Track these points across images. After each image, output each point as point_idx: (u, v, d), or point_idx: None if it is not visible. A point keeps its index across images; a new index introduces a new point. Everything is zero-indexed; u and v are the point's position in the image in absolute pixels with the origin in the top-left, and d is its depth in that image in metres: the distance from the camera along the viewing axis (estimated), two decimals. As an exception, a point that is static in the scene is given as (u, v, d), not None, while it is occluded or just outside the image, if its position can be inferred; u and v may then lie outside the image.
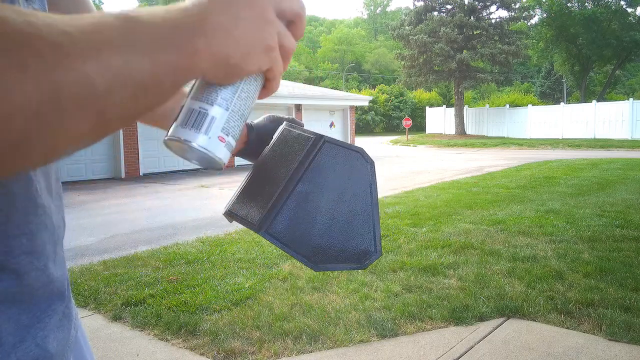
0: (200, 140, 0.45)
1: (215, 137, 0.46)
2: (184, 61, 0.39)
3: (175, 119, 0.47)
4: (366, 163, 0.62)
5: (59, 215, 0.55)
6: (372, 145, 27.12)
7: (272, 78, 0.48)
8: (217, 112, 0.46)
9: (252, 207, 0.61)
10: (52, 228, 0.51)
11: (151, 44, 0.37)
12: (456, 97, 32.83)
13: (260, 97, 0.51)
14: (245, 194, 0.65)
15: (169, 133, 0.47)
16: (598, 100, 29.63)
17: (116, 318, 3.34)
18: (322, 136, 0.60)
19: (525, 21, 32.30)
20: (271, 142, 0.69)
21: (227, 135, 0.47)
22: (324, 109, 18.99)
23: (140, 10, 0.38)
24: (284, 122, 0.71)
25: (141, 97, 0.37)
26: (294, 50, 0.47)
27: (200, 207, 7.52)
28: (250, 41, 0.42)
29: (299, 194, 0.58)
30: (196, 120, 0.46)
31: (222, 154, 0.47)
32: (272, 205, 0.58)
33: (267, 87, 0.49)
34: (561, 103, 32.28)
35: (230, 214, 0.64)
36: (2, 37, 0.29)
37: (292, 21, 0.47)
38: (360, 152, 0.62)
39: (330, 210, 0.60)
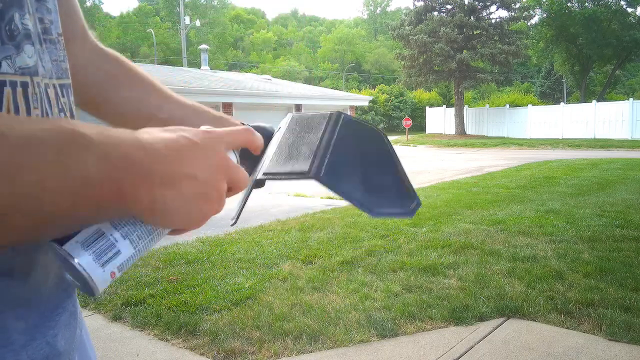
0: (93, 270, 0.41)
1: (108, 272, 0.42)
2: (116, 202, 0.38)
3: (75, 233, 0.42)
4: (382, 136, 0.62)
5: None
6: (372, 145, 27.08)
7: (185, 231, 0.47)
8: (125, 247, 0.42)
9: (294, 163, 0.59)
10: None
11: (84, 174, 0.35)
12: (456, 97, 32.83)
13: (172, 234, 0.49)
14: (278, 157, 0.63)
15: (63, 246, 0.41)
16: (598, 100, 29.62)
17: (116, 318, 3.35)
18: (340, 112, 0.59)
19: (525, 21, 32.28)
20: (280, 129, 0.65)
21: (119, 271, 0.43)
22: (324, 109, 18.99)
23: (95, 131, 0.36)
24: (291, 113, 0.70)
25: (45, 229, 0.36)
26: (245, 181, 0.47)
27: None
28: (196, 207, 0.42)
29: (338, 145, 0.56)
30: (100, 247, 0.41)
31: (104, 285, 0.42)
32: (318, 153, 0.55)
33: (175, 232, 0.47)
34: (561, 103, 32.28)
35: (267, 177, 0.61)
36: None
37: (230, 189, 0.47)
38: (375, 128, 0.62)
39: (365, 165, 0.59)
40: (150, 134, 0.41)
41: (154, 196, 0.39)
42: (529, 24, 33.36)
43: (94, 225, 0.42)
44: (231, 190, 0.47)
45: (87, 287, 0.42)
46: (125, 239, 0.42)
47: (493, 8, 31.74)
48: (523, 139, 27.20)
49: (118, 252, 0.42)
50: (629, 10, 33.45)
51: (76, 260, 0.40)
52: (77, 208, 0.36)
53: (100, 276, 0.41)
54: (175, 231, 0.46)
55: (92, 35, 0.72)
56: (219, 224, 6.31)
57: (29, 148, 0.33)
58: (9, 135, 0.33)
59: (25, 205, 0.33)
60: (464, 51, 30.35)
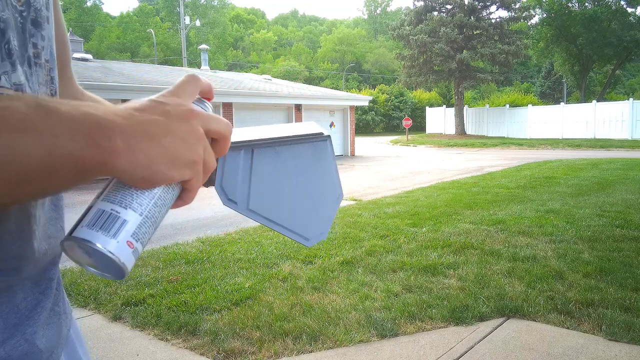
0: (106, 244, 0.42)
1: (123, 242, 0.43)
2: (91, 156, 0.39)
3: (80, 220, 0.44)
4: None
5: (56, 225, 0.56)
6: (372, 145, 27.12)
7: (190, 189, 0.49)
8: (130, 216, 0.44)
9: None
10: (43, 236, 0.52)
11: (53, 134, 0.37)
12: (456, 97, 32.83)
13: (174, 207, 0.50)
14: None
15: (70, 233, 0.43)
16: (598, 100, 29.63)
17: (116, 318, 3.34)
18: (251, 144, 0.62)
19: (525, 21, 32.27)
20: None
21: (136, 241, 0.44)
22: (324, 109, 18.99)
23: (62, 102, 0.39)
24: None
25: (26, 183, 0.37)
26: (213, 167, 0.49)
27: (200, 207, 7.50)
28: (178, 151, 0.44)
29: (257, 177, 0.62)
30: (105, 222, 0.43)
31: (128, 260, 0.44)
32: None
33: (183, 197, 0.50)
34: (561, 103, 32.28)
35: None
36: None
37: (217, 140, 0.50)
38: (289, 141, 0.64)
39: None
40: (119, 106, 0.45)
41: (130, 147, 0.41)
42: (529, 24, 33.35)
43: (93, 207, 0.44)
44: (217, 142, 0.50)
45: (110, 265, 0.43)
46: (126, 209, 0.44)
47: (493, 8, 31.75)
48: (523, 139, 27.20)
49: (124, 222, 0.43)
50: (629, 10, 33.47)
51: (85, 238, 0.42)
52: (52, 169, 0.38)
53: (116, 247, 0.43)
54: (181, 197, 0.49)
55: (74, 78, 0.74)
56: (219, 224, 6.31)
57: None
58: None
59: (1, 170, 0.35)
60: (464, 51, 30.34)
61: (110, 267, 0.44)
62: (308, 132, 0.66)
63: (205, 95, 0.53)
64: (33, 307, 0.49)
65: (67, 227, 0.60)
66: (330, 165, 0.66)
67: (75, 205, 7.97)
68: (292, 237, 0.63)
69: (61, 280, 0.59)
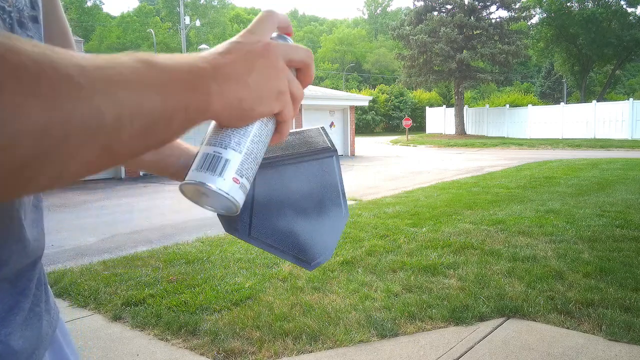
0: (214, 182, 0.47)
1: (229, 179, 0.47)
2: (196, 101, 0.42)
3: (191, 165, 0.49)
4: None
5: (38, 227, 0.56)
6: (372, 145, 27.11)
7: (283, 121, 0.51)
8: (231, 155, 0.48)
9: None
10: (29, 238, 0.52)
11: (164, 83, 0.39)
12: (456, 97, 32.83)
13: (272, 142, 0.53)
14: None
15: (185, 178, 0.48)
16: (598, 100, 29.63)
17: (116, 318, 3.34)
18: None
19: (525, 21, 32.27)
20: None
21: (241, 177, 0.48)
22: (324, 109, 18.99)
23: (157, 55, 0.41)
24: None
25: (150, 133, 0.39)
26: (302, 96, 0.51)
27: (200, 207, 7.51)
28: (263, 86, 0.46)
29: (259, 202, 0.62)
30: (211, 163, 0.47)
31: (236, 194, 0.48)
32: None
33: (279, 130, 0.52)
34: (561, 103, 32.28)
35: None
36: (18, 67, 0.31)
37: (301, 69, 0.51)
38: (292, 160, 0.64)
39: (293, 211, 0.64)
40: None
41: (222, 89, 0.43)
42: (529, 23, 33.36)
43: (199, 153, 0.49)
44: (301, 71, 0.51)
45: (222, 201, 0.48)
46: (226, 149, 0.48)
47: (493, 8, 31.75)
48: (523, 139, 27.20)
49: (227, 161, 0.48)
50: (629, 10, 33.46)
51: (196, 180, 0.47)
52: (169, 117, 0.40)
53: (223, 184, 0.47)
54: (277, 130, 0.52)
55: None
56: (218, 224, 6.30)
57: (115, 68, 0.37)
58: (86, 65, 0.35)
59: (131, 118, 0.37)
60: (464, 51, 30.34)
61: (222, 202, 0.49)
62: (314, 148, 0.64)
63: (285, 30, 0.54)
64: (9, 309, 0.49)
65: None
66: (336, 183, 0.66)
67: (76, 205, 7.92)
68: (293, 262, 0.63)
69: (46, 281, 0.59)
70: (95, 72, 0.35)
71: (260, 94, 0.46)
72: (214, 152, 0.48)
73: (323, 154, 0.64)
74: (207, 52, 0.45)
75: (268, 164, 0.62)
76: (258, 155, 0.50)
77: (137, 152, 0.40)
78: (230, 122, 0.47)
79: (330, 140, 0.67)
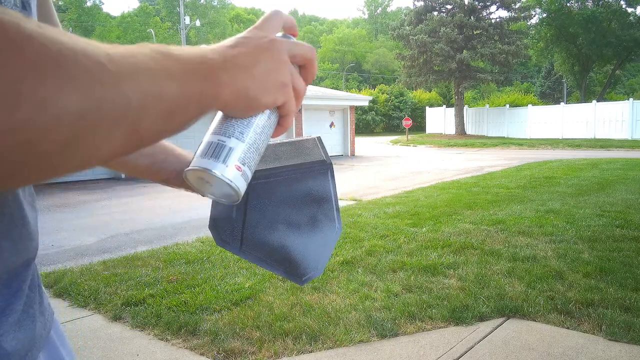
0: (217, 168, 0.48)
1: (232, 166, 0.49)
2: (209, 90, 0.44)
3: (195, 152, 0.51)
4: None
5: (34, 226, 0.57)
6: (372, 145, 27.11)
7: (286, 114, 0.53)
8: (234, 143, 0.49)
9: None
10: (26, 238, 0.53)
11: (180, 73, 0.42)
12: (456, 97, 32.83)
13: (275, 134, 0.54)
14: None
15: (190, 164, 0.50)
16: (598, 100, 29.62)
17: (116, 318, 3.34)
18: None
19: (525, 21, 32.26)
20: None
21: (243, 164, 0.50)
22: (324, 109, 18.99)
23: (170, 46, 0.44)
24: None
25: (170, 117, 0.42)
26: (304, 91, 0.53)
27: (200, 207, 7.50)
28: (267, 77, 0.48)
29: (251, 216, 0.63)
30: (215, 150, 0.49)
31: (238, 182, 0.49)
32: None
33: (281, 123, 0.54)
34: (561, 103, 32.27)
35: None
36: (59, 54, 0.33)
37: (304, 66, 0.54)
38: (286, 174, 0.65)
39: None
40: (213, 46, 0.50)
41: (231, 80, 0.46)
42: (529, 23, 33.35)
43: (203, 141, 0.51)
44: (304, 67, 0.53)
45: (224, 188, 0.50)
46: (230, 138, 0.49)
47: (493, 8, 31.75)
48: (523, 139, 27.20)
49: (230, 149, 0.49)
50: (629, 10, 33.44)
51: (200, 166, 0.48)
52: (186, 104, 0.42)
53: (226, 170, 0.48)
54: (280, 123, 0.54)
55: None
56: (219, 224, 6.30)
57: (134, 58, 0.39)
58: (113, 54, 0.37)
59: (152, 104, 0.39)
60: (464, 51, 30.34)
61: (224, 189, 0.50)
62: (309, 160, 0.64)
63: (290, 30, 0.56)
64: (2, 310, 0.49)
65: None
66: (330, 197, 0.65)
67: (76, 205, 7.93)
68: (283, 277, 0.63)
69: (40, 283, 0.59)
70: (121, 60, 0.37)
71: (266, 85, 0.48)
72: (218, 140, 0.49)
73: (318, 166, 0.64)
74: (216, 44, 0.48)
75: (262, 176, 0.62)
76: (260, 146, 0.52)
77: (158, 136, 0.43)
78: (237, 112, 0.49)
79: (325, 153, 0.67)
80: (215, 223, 0.61)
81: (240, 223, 0.62)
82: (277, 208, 0.63)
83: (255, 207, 0.62)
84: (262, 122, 0.51)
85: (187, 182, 0.52)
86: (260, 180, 0.62)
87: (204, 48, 0.46)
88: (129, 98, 0.37)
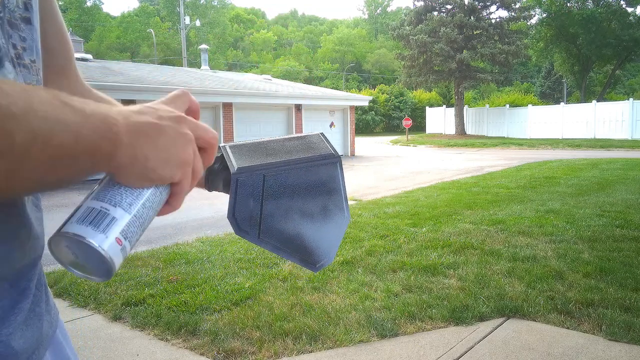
0: (96, 238, 0.43)
1: (112, 238, 0.44)
2: (105, 146, 0.42)
3: (69, 217, 0.45)
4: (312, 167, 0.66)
5: (41, 225, 0.58)
6: (372, 145, 27.11)
7: (178, 193, 0.51)
8: (119, 214, 0.45)
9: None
10: (32, 237, 0.53)
11: (78, 122, 0.40)
12: (456, 97, 32.82)
13: (161, 213, 0.51)
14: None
15: (60, 229, 0.44)
16: (598, 100, 29.62)
17: (116, 318, 3.34)
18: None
19: (525, 21, 32.25)
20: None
21: (125, 238, 0.45)
22: (324, 109, 18.98)
23: (72, 96, 0.42)
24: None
25: (54, 167, 0.39)
26: (200, 174, 0.52)
27: (200, 207, 7.50)
28: (170, 151, 0.47)
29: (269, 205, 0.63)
30: (95, 218, 0.44)
31: (116, 256, 0.44)
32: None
33: (170, 202, 0.52)
34: (561, 103, 32.27)
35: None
36: None
37: (204, 149, 0.52)
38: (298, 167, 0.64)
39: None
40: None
41: (131, 143, 0.44)
42: (528, 23, 33.34)
43: (83, 205, 0.46)
44: (205, 151, 0.52)
45: (98, 262, 0.44)
46: (115, 207, 0.45)
47: (493, 8, 31.73)
48: (523, 139, 27.20)
49: (113, 219, 0.44)
50: (629, 10, 33.44)
51: (75, 232, 0.43)
52: (76, 155, 0.40)
53: (105, 242, 0.43)
54: (169, 202, 0.51)
55: (80, 76, 0.75)
56: (218, 224, 6.31)
57: (30, 96, 0.38)
58: (8, 90, 0.36)
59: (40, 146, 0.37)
60: (464, 51, 30.33)
61: (98, 263, 0.44)
62: (319, 154, 0.65)
63: (193, 114, 0.55)
64: (10, 309, 0.49)
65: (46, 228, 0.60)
66: (339, 188, 0.66)
67: (75, 205, 8.03)
68: (299, 264, 0.65)
69: (45, 281, 0.59)
70: (12, 98, 0.36)
71: (167, 158, 0.46)
72: (100, 207, 0.45)
73: (328, 159, 0.65)
74: (123, 107, 0.46)
75: (275, 168, 0.62)
76: (145, 222, 0.48)
77: (38, 185, 0.40)
78: (129, 179, 0.46)
79: (332, 147, 0.68)
80: (234, 213, 0.61)
81: (257, 213, 0.62)
82: (291, 199, 0.63)
83: (271, 198, 0.62)
84: (152, 196, 0.47)
85: (49, 249, 0.46)
86: (276, 171, 0.62)
87: (108, 107, 0.44)
88: (13, 138, 0.35)
